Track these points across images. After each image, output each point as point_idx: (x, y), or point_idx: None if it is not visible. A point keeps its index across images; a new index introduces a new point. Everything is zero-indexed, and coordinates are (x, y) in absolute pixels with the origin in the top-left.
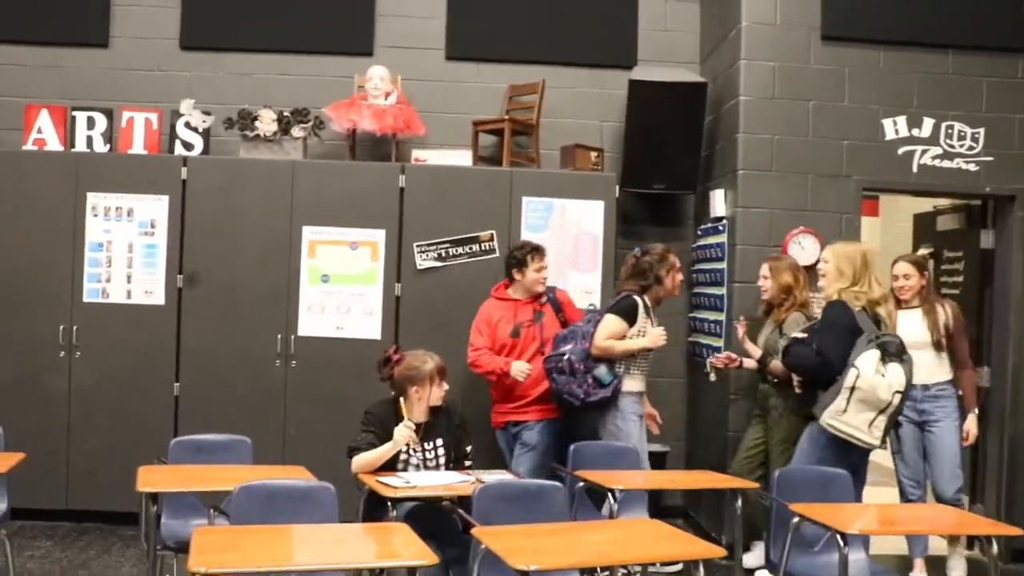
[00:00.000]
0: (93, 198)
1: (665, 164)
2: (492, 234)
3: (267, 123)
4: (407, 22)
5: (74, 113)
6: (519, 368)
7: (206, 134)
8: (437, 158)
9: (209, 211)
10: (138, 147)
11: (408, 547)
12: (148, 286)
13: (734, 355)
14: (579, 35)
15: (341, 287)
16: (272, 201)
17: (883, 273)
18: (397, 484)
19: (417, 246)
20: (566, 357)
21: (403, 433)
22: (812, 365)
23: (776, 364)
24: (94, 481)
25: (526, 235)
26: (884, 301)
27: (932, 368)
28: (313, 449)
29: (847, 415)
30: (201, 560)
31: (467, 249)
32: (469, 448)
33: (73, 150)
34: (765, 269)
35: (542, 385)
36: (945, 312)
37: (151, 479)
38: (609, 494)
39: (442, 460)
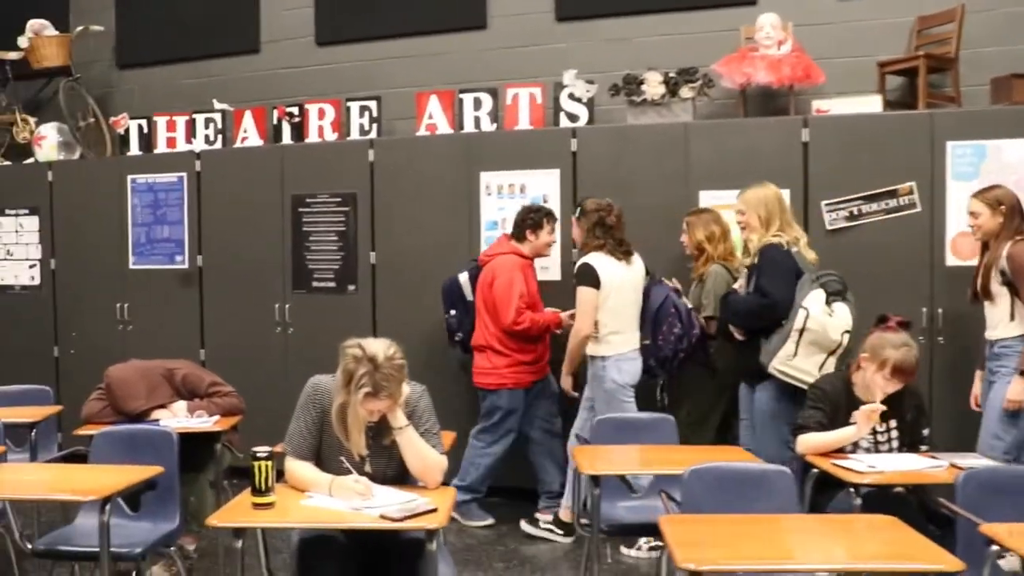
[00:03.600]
0: (486, 177)
1: None
2: (911, 186)
3: (654, 86)
4: None
5: (460, 96)
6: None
7: (590, 104)
8: (840, 107)
9: (601, 181)
10: (524, 123)
11: (919, 548)
12: (545, 262)
13: None
14: None
15: None
16: (665, 167)
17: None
18: (859, 468)
19: (826, 205)
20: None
21: (864, 426)
22: (756, 307)
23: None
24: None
25: (953, 184)
26: (797, 244)
27: (993, 320)
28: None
29: (797, 359)
30: (687, 556)
31: (883, 205)
32: (927, 432)
33: (462, 131)
34: (684, 223)
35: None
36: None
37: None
38: None
39: (895, 444)
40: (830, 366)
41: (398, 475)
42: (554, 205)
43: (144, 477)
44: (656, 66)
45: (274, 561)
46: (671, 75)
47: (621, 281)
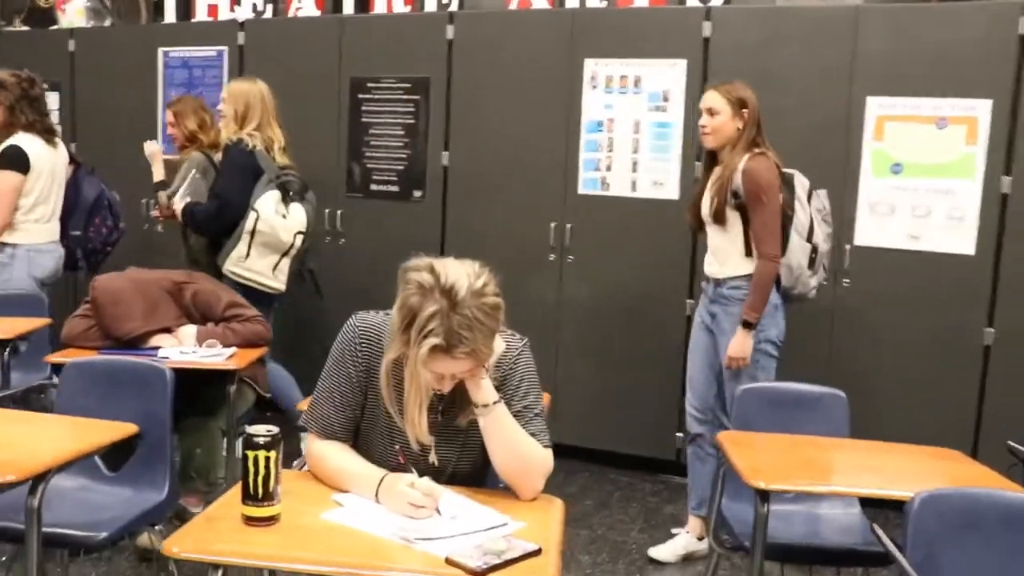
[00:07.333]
0: (592, 65)
1: None
2: None
3: None
4: None
5: None
6: None
7: None
8: None
9: (739, 76)
10: (640, 1)
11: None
12: (658, 176)
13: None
14: None
15: (919, 180)
16: (824, 61)
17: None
18: None
19: None
20: None
21: None
22: (211, 209)
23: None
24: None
25: None
26: (278, 143)
27: (722, 253)
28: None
29: (250, 260)
30: None
31: None
32: None
33: (566, 7)
34: (169, 115)
35: None
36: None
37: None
38: None
39: None
40: (284, 267)
41: (473, 471)
42: (676, 106)
43: (106, 442)
44: None
45: None
46: None
47: (51, 166)
